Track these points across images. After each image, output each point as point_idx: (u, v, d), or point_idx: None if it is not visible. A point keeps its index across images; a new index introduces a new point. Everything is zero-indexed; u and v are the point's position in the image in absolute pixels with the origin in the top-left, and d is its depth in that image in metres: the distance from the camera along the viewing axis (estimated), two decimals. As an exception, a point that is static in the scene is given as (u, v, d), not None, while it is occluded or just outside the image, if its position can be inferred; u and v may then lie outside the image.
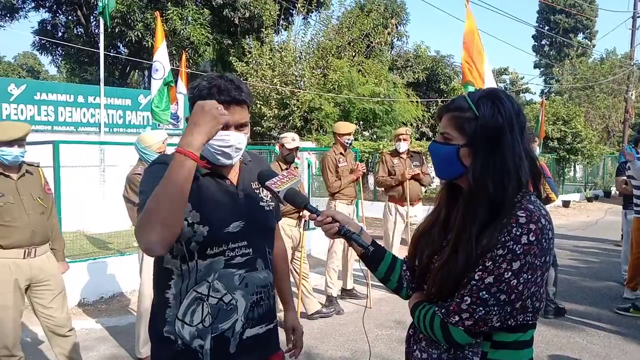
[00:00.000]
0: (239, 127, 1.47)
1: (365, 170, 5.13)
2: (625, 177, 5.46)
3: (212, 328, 1.46)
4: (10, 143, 2.76)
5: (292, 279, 4.68)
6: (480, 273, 1.16)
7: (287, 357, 1.83)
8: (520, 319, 1.20)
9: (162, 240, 1.25)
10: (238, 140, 1.46)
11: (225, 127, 1.43)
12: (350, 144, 5.16)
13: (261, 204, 1.59)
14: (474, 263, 1.17)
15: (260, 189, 1.58)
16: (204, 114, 1.26)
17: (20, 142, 2.81)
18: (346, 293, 5.29)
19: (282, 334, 1.72)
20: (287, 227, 4.40)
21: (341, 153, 5.07)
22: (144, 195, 1.36)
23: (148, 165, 1.56)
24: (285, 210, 4.28)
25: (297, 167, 4.73)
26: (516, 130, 1.21)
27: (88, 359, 3.60)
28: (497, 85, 5.92)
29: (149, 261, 3.42)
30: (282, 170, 4.29)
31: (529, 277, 1.14)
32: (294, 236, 4.52)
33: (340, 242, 4.88)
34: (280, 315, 3.93)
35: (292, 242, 4.49)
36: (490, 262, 1.15)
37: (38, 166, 3.08)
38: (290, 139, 4.45)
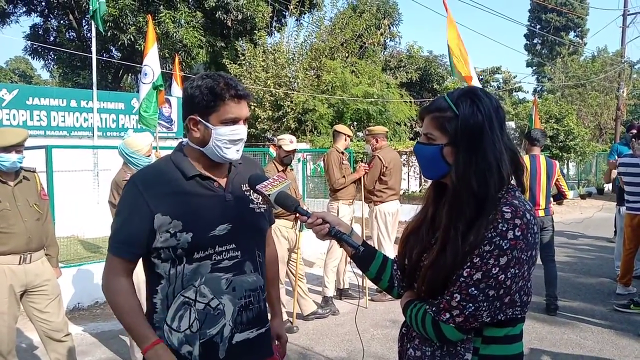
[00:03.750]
0: (244, 121, 1.53)
1: (367, 170, 5.15)
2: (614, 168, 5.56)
3: (200, 334, 1.46)
4: (7, 149, 2.75)
5: (288, 280, 4.70)
6: (469, 270, 1.17)
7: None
8: (510, 314, 1.22)
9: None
10: (245, 133, 1.53)
11: (236, 121, 1.49)
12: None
13: (251, 206, 1.59)
14: (462, 260, 1.19)
15: (251, 191, 1.59)
16: None
17: (18, 147, 2.80)
18: (341, 293, 5.30)
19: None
20: (283, 228, 4.41)
21: (342, 152, 5.11)
22: (119, 218, 1.52)
23: (132, 178, 1.54)
24: (280, 211, 4.28)
25: (292, 169, 4.74)
26: (495, 126, 1.24)
27: (84, 364, 3.59)
28: (486, 85, 5.98)
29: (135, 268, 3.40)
30: (278, 171, 4.30)
31: (517, 271, 1.17)
32: (290, 238, 4.52)
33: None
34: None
35: (288, 244, 4.50)
36: (478, 259, 1.16)
37: (34, 171, 3.07)
38: (288, 141, 4.43)
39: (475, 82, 5.61)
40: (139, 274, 3.55)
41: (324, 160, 5.21)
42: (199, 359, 1.46)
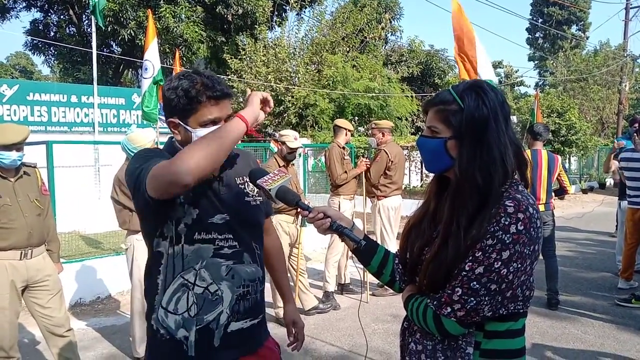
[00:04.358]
0: (226, 119, 1.49)
1: (368, 165, 5.15)
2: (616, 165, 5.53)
3: (197, 319, 1.46)
4: (8, 147, 2.75)
5: (289, 276, 4.70)
6: (471, 264, 1.17)
7: (289, 350, 1.83)
8: (512, 308, 1.22)
9: (197, 169, 1.23)
10: None
11: (216, 121, 1.46)
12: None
13: (247, 199, 1.59)
14: (464, 254, 1.18)
15: (246, 183, 1.58)
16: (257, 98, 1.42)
17: (18, 145, 2.80)
18: (342, 288, 5.31)
19: (281, 329, 1.72)
20: (284, 223, 4.40)
21: (343, 147, 5.10)
22: (145, 164, 1.36)
23: (138, 152, 1.53)
24: (282, 206, 4.28)
25: (293, 164, 4.73)
26: (500, 120, 1.23)
27: (85, 359, 3.61)
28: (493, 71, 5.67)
29: (138, 264, 3.42)
30: (279, 166, 4.29)
31: (519, 266, 1.16)
32: (291, 233, 4.52)
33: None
34: (277, 311, 3.93)
35: (289, 239, 4.50)
36: (480, 253, 1.16)
37: (35, 167, 3.07)
38: (293, 138, 4.40)
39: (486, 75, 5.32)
40: (141, 268, 3.55)
41: (325, 155, 5.18)
42: (195, 345, 1.46)
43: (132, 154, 3.42)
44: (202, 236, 1.46)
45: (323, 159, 5.32)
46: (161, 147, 1.65)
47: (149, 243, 1.54)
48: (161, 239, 1.48)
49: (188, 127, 1.45)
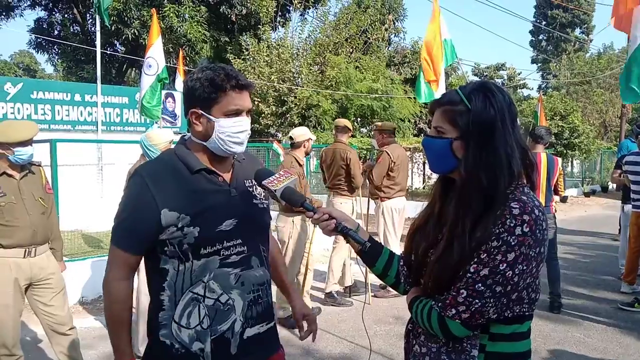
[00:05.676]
0: (247, 112, 1.49)
1: (369, 166, 5.17)
2: (620, 171, 5.49)
3: (211, 330, 1.44)
4: (24, 143, 2.77)
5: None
6: (476, 265, 1.16)
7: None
8: (517, 310, 1.21)
9: (105, 301, 1.54)
10: (248, 125, 1.49)
11: (239, 112, 1.46)
12: None
13: (255, 201, 1.58)
14: (469, 256, 1.18)
15: (254, 187, 1.57)
16: None
17: (31, 141, 2.83)
18: (350, 290, 5.30)
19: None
20: (301, 222, 4.41)
21: None
22: (124, 210, 1.48)
23: (138, 171, 1.49)
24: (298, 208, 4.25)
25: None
26: (507, 121, 1.22)
27: (88, 358, 3.60)
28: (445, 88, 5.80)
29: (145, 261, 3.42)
30: (300, 164, 4.34)
31: (524, 268, 1.15)
32: (306, 230, 4.53)
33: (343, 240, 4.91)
34: (281, 312, 3.84)
35: (305, 238, 4.51)
36: (485, 254, 1.15)
37: (40, 165, 3.07)
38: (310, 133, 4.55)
39: (442, 88, 5.53)
40: (140, 271, 3.55)
41: (346, 158, 5.01)
42: (211, 355, 1.44)
43: (148, 151, 3.50)
44: (207, 250, 1.44)
45: (328, 159, 5.23)
46: (173, 146, 1.64)
47: (148, 260, 1.51)
48: (166, 257, 1.46)
49: (211, 117, 1.44)
